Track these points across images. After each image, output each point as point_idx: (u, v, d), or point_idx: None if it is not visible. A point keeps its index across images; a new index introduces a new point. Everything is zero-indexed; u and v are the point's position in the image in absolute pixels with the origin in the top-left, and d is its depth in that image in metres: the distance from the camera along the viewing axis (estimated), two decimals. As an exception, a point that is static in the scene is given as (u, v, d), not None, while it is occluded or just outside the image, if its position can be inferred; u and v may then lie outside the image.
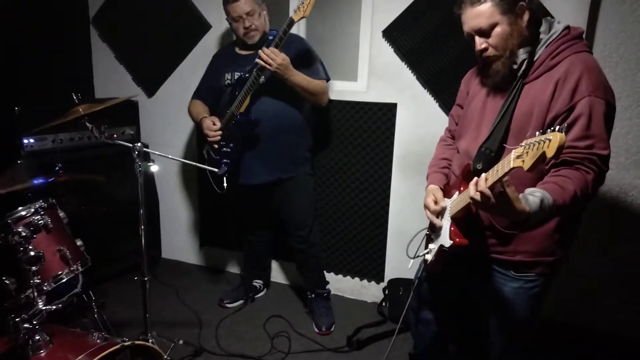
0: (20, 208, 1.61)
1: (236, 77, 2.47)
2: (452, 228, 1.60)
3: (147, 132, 3.36)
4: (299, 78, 2.32)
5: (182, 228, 3.49)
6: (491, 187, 1.30)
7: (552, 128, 1.13)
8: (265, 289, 3.12)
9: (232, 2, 2.37)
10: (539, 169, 1.41)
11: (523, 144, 1.19)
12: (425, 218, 1.74)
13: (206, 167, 2.29)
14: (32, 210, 1.60)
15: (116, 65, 3.42)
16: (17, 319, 1.39)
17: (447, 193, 1.72)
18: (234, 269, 3.39)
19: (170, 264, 3.52)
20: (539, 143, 1.13)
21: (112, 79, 3.46)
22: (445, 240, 1.61)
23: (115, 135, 2.11)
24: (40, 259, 1.49)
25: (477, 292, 1.81)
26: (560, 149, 1.10)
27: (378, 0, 2.62)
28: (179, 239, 3.52)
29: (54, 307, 1.53)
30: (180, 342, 2.40)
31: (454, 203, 1.62)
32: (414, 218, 2.66)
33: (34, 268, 1.48)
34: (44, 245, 1.55)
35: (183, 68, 3.22)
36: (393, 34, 2.62)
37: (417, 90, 2.64)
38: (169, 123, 3.33)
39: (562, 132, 1.10)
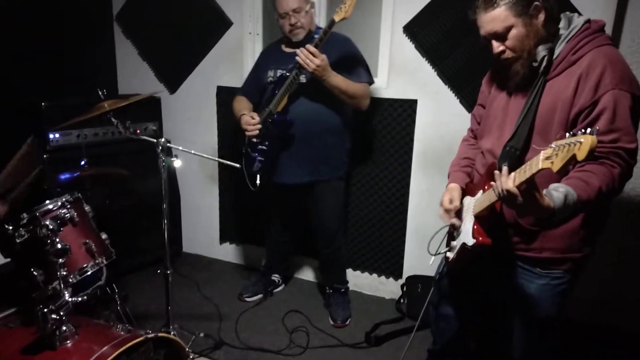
0: (47, 201, 1.65)
1: (278, 74, 2.44)
2: (475, 227, 1.59)
3: (169, 128, 3.40)
4: (338, 80, 2.27)
5: (202, 222, 3.53)
6: (518, 186, 1.29)
7: (582, 130, 1.11)
8: (283, 284, 3.14)
9: None
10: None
11: (553, 145, 1.18)
12: (446, 215, 1.73)
13: (227, 162, 2.30)
14: (59, 203, 1.64)
15: (139, 62, 3.46)
16: (45, 310, 1.42)
17: (470, 192, 1.72)
18: (253, 263, 3.42)
19: (190, 257, 3.57)
20: (570, 145, 1.12)
21: (135, 75, 3.51)
22: (467, 238, 1.60)
23: (138, 131, 2.14)
24: (67, 252, 1.53)
25: (500, 289, 1.80)
26: (591, 151, 1.09)
27: (399, -4, 2.60)
28: (199, 233, 3.56)
29: (80, 298, 1.57)
30: (201, 334, 2.44)
31: (477, 202, 1.61)
32: (433, 215, 2.63)
33: (60, 260, 1.52)
34: (71, 238, 1.59)
35: (205, 64, 3.25)
36: (414, 29, 2.60)
37: (438, 86, 2.61)
38: (190, 119, 3.37)
39: (593, 135, 1.09)
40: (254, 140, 2.50)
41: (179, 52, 3.31)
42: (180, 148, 2.15)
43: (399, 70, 2.69)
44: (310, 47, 2.17)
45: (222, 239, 3.49)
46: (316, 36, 2.25)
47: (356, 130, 2.80)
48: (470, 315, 2.02)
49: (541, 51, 1.48)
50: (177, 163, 2.10)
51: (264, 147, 2.48)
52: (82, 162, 2.10)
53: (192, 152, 2.15)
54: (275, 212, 2.91)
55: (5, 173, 2.00)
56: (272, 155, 2.47)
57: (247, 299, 2.94)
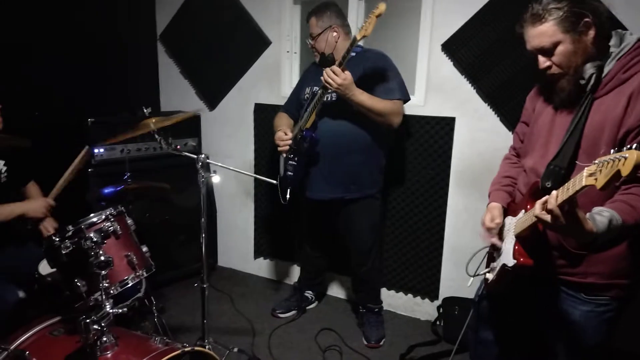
0: (92, 215, 1.70)
1: (313, 91, 2.49)
2: (517, 247, 1.55)
3: (207, 144, 3.47)
4: (363, 98, 2.27)
5: (237, 237, 3.57)
6: (560, 206, 1.25)
7: (628, 146, 1.08)
8: (317, 301, 3.12)
9: (307, 21, 2.51)
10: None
11: (597, 161, 1.14)
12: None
13: (264, 178, 2.34)
14: (103, 217, 1.68)
15: (181, 80, 3.57)
16: (87, 320, 1.46)
17: (512, 211, 1.67)
18: (287, 279, 3.42)
19: (225, 272, 3.61)
20: (614, 161, 1.08)
21: (176, 92, 3.62)
22: (508, 259, 1.56)
23: (179, 147, 2.20)
24: (110, 264, 1.57)
25: (542, 314, 1.73)
26: (636, 167, 1.05)
27: (437, 14, 2.60)
28: (234, 247, 3.60)
29: (120, 310, 1.60)
30: (235, 349, 2.45)
31: (519, 221, 1.57)
32: (472, 235, 2.58)
33: (103, 272, 1.56)
34: (113, 251, 1.64)
35: (243, 82, 3.32)
36: (453, 47, 2.58)
37: (476, 104, 2.58)
38: (229, 135, 3.43)
39: (639, 150, 1.05)
40: (286, 155, 2.55)
41: (219, 70, 3.40)
42: (219, 164, 2.19)
43: (437, 88, 2.67)
44: (334, 66, 2.21)
45: (257, 254, 3.51)
46: (353, 54, 2.28)
47: (392, 148, 2.79)
48: (511, 341, 1.94)
49: (589, 68, 1.44)
50: (215, 179, 2.13)
51: (294, 162, 2.52)
52: (126, 177, 2.16)
53: (231, 168, 2.19)
54: (307, 227, 2.92)
55: (60, 186, 2.10)
56: (301, 171, 2.50)
57: (281, 315, 2.94)
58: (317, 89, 2.39)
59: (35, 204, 2.08)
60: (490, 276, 1.70)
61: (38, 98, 2.79)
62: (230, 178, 3.48)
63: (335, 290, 3.23)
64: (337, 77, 2.19)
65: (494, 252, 1.72)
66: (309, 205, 2.69)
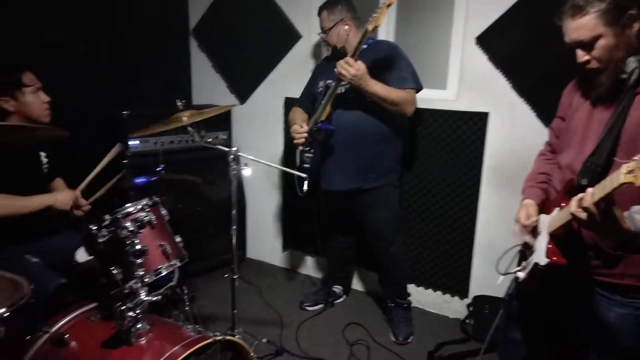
0: (128, 205, 1.75)
1: (327, 84, 2.52)
2: (550, 245, 1.52)
3: (237, 137, 3.51)
4: (377, 88, 2.29)
5: (266, 230, 3.61)
6: (596, 204, 1.22)
7: None
8: (344, 295, 3.13)
9: (318, 15, 2.54)
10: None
11: (636, 157, 1.10)
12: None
13: (295, 172, 2.36)
14: (139, 207, 1.72)
15: (212, 73, 3.62)
16: (122, 307, 1.51)
17: (546, 209, 1.63)
18: (315, 272, 3.44)
19: (254, 264, 3.65)
20: None
21: (208, 86, 3.67)
22: (540, 258, 1.53)
23: (210, 140, 2.24)
24: (145, 253, 1.61)
25: (575, 315, 1.69)
26: None
27: (472, 6, 2.55)
28: (263, 240, 3.64)
29: (154, 298, 1.65)
30: (264, 340, 2.49)
31: (553, 219, 1.54)
32: (503, 232, 2.54)
33: (138, 261, 1.60)
34: (148, 240, 1.67)
35: (273, 76, 3.34)
36: (487, 40, 2.53)
37: (511, 99, 2.52)
38: (259, 129, 3.46)
39: None
40: (302, 148, 2.58)
41: (250, 64, 3.43)
42: (251, 157, 2.22)
43: (470, 82, 2.63)
44: (347, 57, 2.22)
45: (285, 247, 3.55)
46: (364, 47, 2.30)
47: (423, 142, 2.77)
48: (541, 342, 1.90)
49: (631, 62, 1.39)
50: (247, 172, 2.16)
51: (310, 155, 2.56)
52: (159, 168, 2.22)
53: (262, 161, 2.21)
54: (330, 218, 2.95)
55: (93, 175, 2.16)
56: (317, 163, 2.53)
57: (308, 308, 2.96)
58: (331, 82, 2.42)
59: (62, 195, 2.14)
60: (521, 275, 1.67)
61: (75, 92, 2.87)
62: (260, 171, 3.51)
63: (363, 285, 3.24)
64: (350, 67, 2.21)
65: (526, 251, 1.69)
66: (327, 197, 2.71)
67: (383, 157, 2.54)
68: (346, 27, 2.48)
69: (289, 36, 3.20)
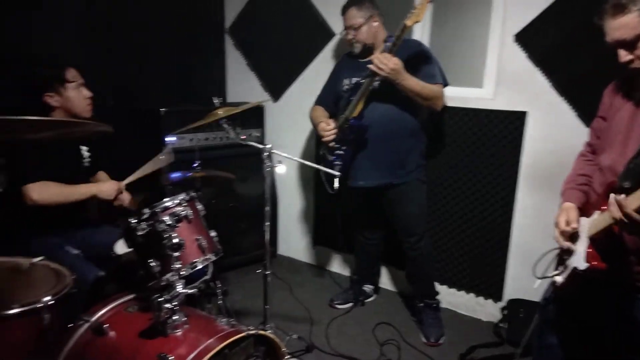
0: (166, 199, 1.79)
1: (354, 82, 2.53)
2: (590, 250, 1.48)
3: (270, 134, 3.54)
4: (412, 82, 2.32)
5: (297, 227, 3.64)
6: (638, 210, 1.18)
7: None
8: (375, 294, 3.12)
9: (342, 14, 2.53)
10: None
11: None
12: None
13: (327, 169, 2.37)
14: (177, 201, 1.76)
15: (247, 71, 3.67)
16: (160, 299, 1.55)
17: (586, 212, 1.59)
18: (344, 270, 3.45)
19: (285, 260, 3.69)
20: None
21: (242, 84, 3.72)
22: (579, 262, 1.49)
23: (244, 137, 2.27)
24: (182, 246, 1.65)
25: (614, 321, 1.64)
26: None
27: (510, 3, 2.50)
28: (294, 237, 3.67)
29: (190, 290, 1.68)
30: (294, 336, 2.50)
31: (593, 222, 1.50)
32: (541, 234, 2.46)
33: (175, 254, 1.64)
34: (185, 234, 1.71)
35: (307, 74, 3.36)
36: (526, 38, 2.48)
37: (551, 98, 2.46)
38: (291, 126, 3.49)
39: None
40: (331, 145, 2.57)
41: (284, 62, 3.46)
42: (284, 154, 2.24)
43: (508, 80, 2.57)
44: (385, 53, 2.23)
45: (316, 244, 3.56)
46: (388, 43, 2.34)
47: (459, 141, 2.73)
48: (577, 348, 1.86)
49: None
50: (281, 169, 2.18)
51: (341, 152, 2.56)
52: (195, 164, 2.26)
53: (295, 158, 2.24)
54: (358, 215, 2.94)
55: (139, 174, 2.23)
56: (349, 159, 2.54)
57: (338, 306, 2.97)
58: (357, 79, 2.45)
59: (106, 185, 2.22)
60: (559, 279, 1.64)
61: (115, 89, 2.96)
62: (292, 168, 3.54)
63: (393, 285, 3.22)
64: (388, 62, 2.22)
65: (564, 254, 1.65)
66: (354, 193, 2.70)
67: (413, 152, 2.56)
68: (375, 23, 2.50)
69: (323, 34, 3.21)
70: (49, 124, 1.46)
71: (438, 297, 2.79)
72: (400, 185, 2.55)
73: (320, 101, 2.81)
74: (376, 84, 2.39)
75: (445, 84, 2.47)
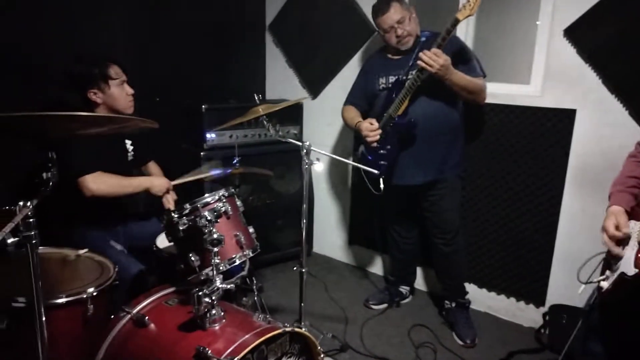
0: (206, 195, 1.82)
1: (391, 80, 2.50)
2: (639, 255, 1.40)
3: (308, 132, 3.54)
4: (459, 77, 2.29)
5: (333, 225, 3.62)
6: None
7: None
8: (411, 295, 3.08)
9: (381, 14, 2.44)
10: None
11: None
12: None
13: (367, 168, 2.35)
14: (217, 197, 1.79)
15: (286, 69, 3.68)
16: (199, 293, 1.57)
17: (635, 216, 1.51)
18: (379, 270, 3.41)
19: (320, 258, 3.68)
20: None
21: (281, 81, 3.73)
22: (628, 267, 1.43)
23: (280, 134, 2.28)
24: (221, 242, 1.67)
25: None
26: None
27: (560, -3, 2.40)
28: (329, 235, 3.66)
29: (228, 285, 1.70)
30: (329, 335, 2.50)
31: (646, 227, 1.41)
32: (588, 240, 2.37)
33: (215, 249, 1.66)
34: (224, 230, 1.73)
35: (345, 71, 3.34)
36: (577, 32, 2.37)
37: (602, 95, 2.35)
38: (329, 124, 3.47)
39: None
40: (375, 145, 2.53)
41: (323, 59, 3.44)
42: (323, 152, 2.23)
43: (556, 77, 2.47)
44: (433, 49, 2.19)
45: (351, 243, 3.54)
46: (423, 39, 2.36)
47: (503, 140, 2.65)
48: (622, 356, 1.77)
49: None
50: (319, 166, 2.17)
51: (384, 152, 2.52)
52: (234, 161, 2.28)
53: (334, 156, 2.22)
54: (396, 213, 2.89)
55: (191, 179, 2.28)
56: (394, 158, 2.51)
57: (373, 307, 2.94)
58: (400, 76, 2.42)
59: (159, 180, 2.26)
60: (605, 284, 1.57)
61: (158, 86, 3.02)
62: (328, 166, 3.53)
63: (430, 287, 3.16)
64: (439, 58, 2.19)
65: (610, 259, 1.58)
66: (395, 191, 2.65)
67: (455, 147, 2.55)
68: (414, 15, 2.47)
69: (363, 31, 3.18)
70: (100, 120, 1.50)
71: (469, 297, 2.75)
72: (443, 181, 2.54)
73: (352, 101, 2.78)
74: (419, 80, 2.34)
75: (485, 76, 2.44)
